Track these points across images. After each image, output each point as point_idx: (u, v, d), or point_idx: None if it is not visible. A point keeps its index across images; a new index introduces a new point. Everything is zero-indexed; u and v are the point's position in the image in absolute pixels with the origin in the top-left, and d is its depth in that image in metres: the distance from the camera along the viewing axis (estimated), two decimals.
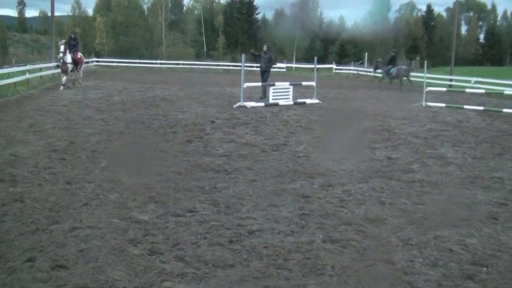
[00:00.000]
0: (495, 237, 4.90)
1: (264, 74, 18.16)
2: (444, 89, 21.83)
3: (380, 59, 31.93)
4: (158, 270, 3.88)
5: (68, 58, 19.43)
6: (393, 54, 28.84)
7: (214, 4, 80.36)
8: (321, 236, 4.72)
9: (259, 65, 18.67)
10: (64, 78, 19.62)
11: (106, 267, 3.91)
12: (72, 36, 21.15)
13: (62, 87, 19.09)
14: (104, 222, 4.88)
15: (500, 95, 21.03)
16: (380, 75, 29.26)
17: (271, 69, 19.21)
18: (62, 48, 19.21)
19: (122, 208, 5.35)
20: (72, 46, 20.08)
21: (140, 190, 6.01)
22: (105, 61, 46.18)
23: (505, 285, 3.89)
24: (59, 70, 26.11)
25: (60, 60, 19.58)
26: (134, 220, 4.96)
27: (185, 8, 76.29)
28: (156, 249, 4.26)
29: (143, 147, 8.56)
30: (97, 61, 45.00)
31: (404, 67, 28.56)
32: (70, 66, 19.63)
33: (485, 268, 4.16)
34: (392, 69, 27.36)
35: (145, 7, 72.28)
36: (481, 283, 3.92)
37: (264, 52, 18.24)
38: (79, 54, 20.98)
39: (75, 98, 16.33)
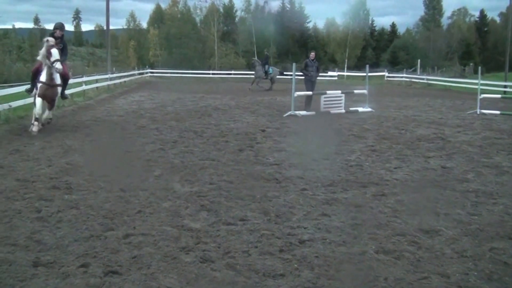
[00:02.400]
0: None
1: (314, 84, 17.75)
2: (499, 95, 21.04)
3: (256, 58, 33.34)
4: (209, 278, 3.94)
5: (58, 77, 11.10)
6: (266, 54, 31.04)
7: (265, 14, 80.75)
8: (373, 247, 4.66)
9: (306, 74, 17.84)
10: (41, 113, 10.97)
11: (158, 274, 4.00)
12: (57, 32, 11.50)
13: (34, 127, 10.75)
14: (157, 230, 4.99)
15: None
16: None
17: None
18: (54, 53, 10.48)
19: (175, 216, 5.46)
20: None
21: (193, 198, 6.13)
22: (159, 72, 47.37)
23: None
24: (115, 82, 27.11)
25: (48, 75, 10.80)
26: (186, 228, 5.06)
27: (237, 19, 77.05)
28: (208, 257, 4.32)
29: (196, 156, 8.69)
30: (151, 72, 46.33)
31: (276, 68, 30.49)
32: (58, 91, 11.36)
33: None
34: (270, 69, 28.55)
35: (197, 19, 73.54)
36: None
37: (312, 60, 17.72)
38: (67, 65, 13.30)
39: (130, 108, 16.81)
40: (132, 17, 77.74)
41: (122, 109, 16.54)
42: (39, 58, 11.13)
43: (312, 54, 17.86)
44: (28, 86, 11.77)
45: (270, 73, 28.54)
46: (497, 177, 7.60)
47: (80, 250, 4.44)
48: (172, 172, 7.48)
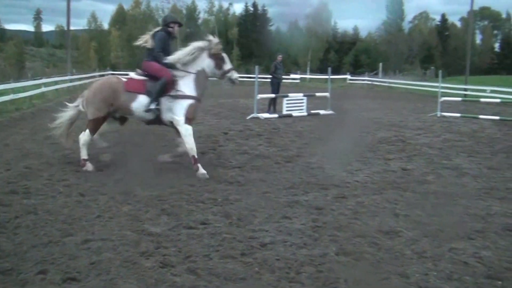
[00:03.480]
0: (511, 249, 4.82)
1: (280, 86, 17.97)
2: (459, 98, 21.66)
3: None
4: (169, 283, 3.87)
5: None
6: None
7: (229, 16, 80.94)
8: (334, 249, 4.67)
9: (276, 76, 17.97)
10: None
11: (118, 279, 3.90)
12: (175, 27, 8.65)
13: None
14: (117, 234, 4.88)
15: None
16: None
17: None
18: (227, 58, 8.48)
19: (135, 220, 5.36)
20: None
21: (153, 202, 6.03)
22: (121, 74, 46.79)
23: None
24: (75, 83, 26.37)
25: None
26: (147, 233, 4.96)
27: (199, 21, 76.87)
28: (168, 262, 4.25)
29: (156, 159, 8.57)
30: (112, 74, 45.69)
31: None
32: None
33: (500, 282, 4.09)
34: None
35: (160, 20, 73.04)
36: None
37: (280, 63, 17.96)
38: None
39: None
40: (94, 17, 76.65)
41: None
42: (184, 61, 7.96)
43: (280, 57, 18.14)
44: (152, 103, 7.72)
45: None
46: (457, 179, 7.79)
47: (39, 256, 4.30)
48: (132, 176, 7.32)
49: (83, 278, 3.92)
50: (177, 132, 7.88)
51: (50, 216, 5.42)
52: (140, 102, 7.73)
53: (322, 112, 17.24)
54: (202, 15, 77.05)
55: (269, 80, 18.82)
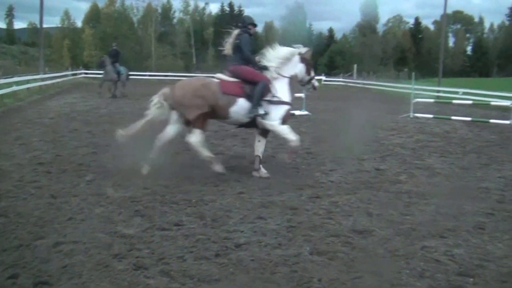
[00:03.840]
0: (482, 247, 4.91)
1: None
2: (432, 100, 21.97)
3: (106, 56, 23.18)
4: (142, 286, 3.83)
5: None
6: (115, 48, 23.37)
7: (205, 16, 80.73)
8: (308, 249, 4.69)
9: None
10: None
11: (90, 283, 3.85)
12: (252, 29, 8.57)
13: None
14: (89, 237, 4.81)
15: (487, 106, 21.21)
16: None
17: None
18: None
19: (107, 222, 5.29)
20: None
21: (126, 203, 5.96)
22: (94, 73, 46.35)
23: None
24: (47, 82, 25.84)
25: None
26: (119, 235, 4.90)
27: (175, 21, 76.45)
28: (141, 264, 4.20)
29: (130, 160, 8.48)
30: (85, 73, 45.19)
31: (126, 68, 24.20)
32: None
33: (471, 279, 4.16)
34: (121, 69, 22.58)
35: (134, 19, 72.38)
36: None
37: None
38: None
39: (62, 110, 16.28)
40: (67, 15, 75.47)
41: (54, 111, 15.95)
42: (278, 65, 7.97)
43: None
44: (257, 108, 7.58)
45: (122, 73, 22.52)
46: (429, 179, 7.89)
47: (9, 260, 4.22)
48: (105, 177, 7.26)
49: (55, 282, 3.86)
50: (262, 134, 7.93)
51: (21, 218, 5.31)
52: (241, 105, 7.54)
53: (297, 112, 17.31)
54: (178, 15, 76.68)
55: None
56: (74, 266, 4.12)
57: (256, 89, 7.53)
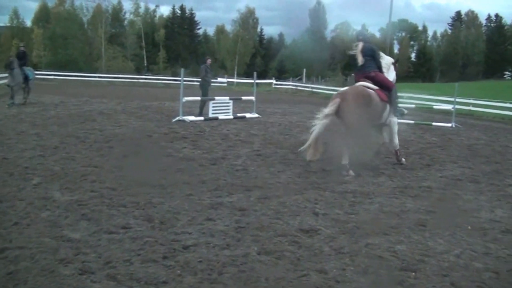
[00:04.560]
0: (423, 243, 5.09)
1: (209, 89, 18.04)
2: None
3: (14, 57, 19.74)
4: None
5: None
6: (22, 50, 20.68)
7: (156, 18, 79.84)
8: (256, 249, 4.74)
9: (200, 79, 18.15)
10: None
11: None
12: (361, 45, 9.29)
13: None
14: (35, 242, 4.69)
15: (430, 109, 22.00)
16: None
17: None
18: None
19: (54, 226, 5.17)
20: None
21: (73, 207, 5.84)
22: (42, 74, 45.29)
23: None
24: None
25: None
26: (66, 239, 4.80)
27: (125, 22, 75.27)
28: (87, 268, 4.14)
29: (78, 163, 8.33)
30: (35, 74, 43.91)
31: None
32: None
33: (413, 273, 4.31)
34: (30, 73, 19.78)
35: (84, 19, 70.84)
36: None
37: (208, 66, 18.10)
38: None
39: (9, 112, 15.74)
40: (16, 14, 72.76)
41: (0, 113, 15.40)
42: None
43: (209, 61, 18.32)
44: (399, 111, 9.47)
45: (30, 79, 19.62)
46: (373, 178, 8.11)
47: None
48: (52, 180, 7.09)
49: None
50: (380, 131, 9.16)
51: None
52: (387, 110, 8.75)
53: (248, 115, 17.43)
54: (128, 16, 75.52)
55: (196, 83, 18.70)
56: (20, 273, 4.02)
57: (393, 94, 8.89)
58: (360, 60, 8.74)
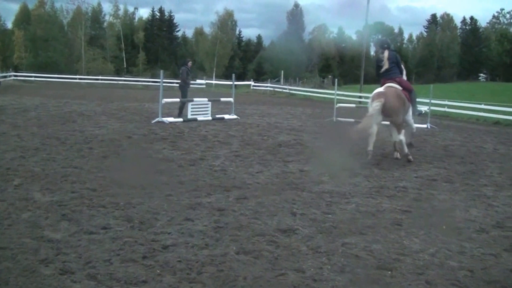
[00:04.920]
0: (399, 242, 5.18)
1: (188, 90, 18.09)
2: (354, 105, 22.82)
3: None
4: None
5: None
6: None
7: (135, 20, 79.49)
8: (234, 248, 4.80)
9: (181, 81, 18.20)
10: None
11: None
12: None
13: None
14: (16, 243, 4.69)
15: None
16: None
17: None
18: None
19: (34, 227, 5.18)
20: None
21: (53, 207, 5.85)
22: (23, 76, 44.86)
23: (408, 286, 4.12)
24: None
25: None
26: (46, 239, 4.82)
27: (105, 24, 74.76)
28: (68, 268, 4.17)
29: (58, 164, 8.32)
30: (15, 76, 43.78)
31: None
32: None
33: (389, 272, 4.38)
34: None
35: (64, 22, 70.25)
36: (386, 286, 4.13)
37: (190, 68, 18.18)
38: None
39: None
40: None
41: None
42: None
43: (190, 63, 18.43)
44: (419, 110, 11.51)
45: None
46: (350, 179, 8.18)
47: None
48: (32, 181, 7.08)
49: None
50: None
51: None
52: (410, 109, 10.23)
53: (226, 116, 17.52)
54: (108, 18, 75.03)
55: (176, 85, 18.72)
56: (1, 273, 4.03)
57: (414, 95, 10.32)
58: (386, 65, 10.10)
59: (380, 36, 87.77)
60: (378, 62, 10.47)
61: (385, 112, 9.64)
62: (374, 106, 9.59)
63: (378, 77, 10.55)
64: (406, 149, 9.96)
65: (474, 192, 7.69)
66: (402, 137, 9.83)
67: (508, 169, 9.77)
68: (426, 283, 4.21)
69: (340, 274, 4.31)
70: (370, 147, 9.74)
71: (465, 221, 6.11)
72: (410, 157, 9.99)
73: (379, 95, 9.71)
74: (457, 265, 4.64)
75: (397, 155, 10.29)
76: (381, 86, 10.07)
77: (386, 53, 10.16)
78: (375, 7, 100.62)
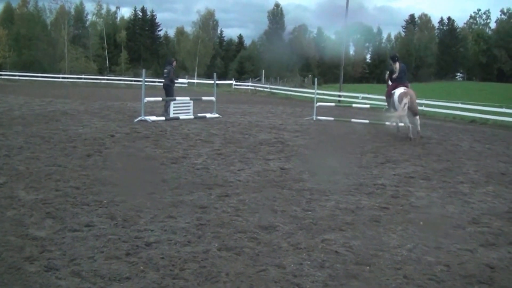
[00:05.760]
0: (377, 238, 5.29)
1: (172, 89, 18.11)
2: (333, 104, 23.01)
3: None
4: (54, 287, 3.86)
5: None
6: None
7: (117, 20, 78.93)
8: (216, 245, 4.87)
9: (163, 80, 18.24)
10: None
11: (2, 287, 3.83)
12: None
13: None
14: (1, 241, 4.73)
15: (384, 109, 22.60)
16: None
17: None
18: None
19: (19, 225, 5.21)
20: None
21: (38, 206, 5.89)
22: (7, 75, 44.38)
23: (386, 281, 4.23)
24: None
25: None
26: (31, 237, 4.86)
27: (87, 23, 74.15)
28: (52, 266, 4.22)
29: (42, 162, 8.33)
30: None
31: None
32: None
33: (368, 267, 4.48)
34: None
35: (48, 21, 69.52)
36: (364, 281, 4.22)
37: (174, 67, 18.23)
38: None
39: None
40: None
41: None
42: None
43: (175, 62, 18.55)
44: None
45: None
46: (330, 177, 8.27)
47: None
48: (17, 180, 7.09)
49: None
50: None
51: None
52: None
53: (208, 115, 17.59)
54: (90, 17, 74.44)
55: (159, 84, 18.73)
56: None
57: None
58: (398, 73, 13.66)
59: (359, 36, 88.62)
60: (391, 71, 14.05)
61: (410, 105, 12.88)
62: (404, 104, 12.73)
63: (388, 81, 14.45)
64: (419, 128, 13.67)
65: (450, 189, 7.83)
66: (417, 121, 13.52)
67: (484, 166, 9.98)
68: (403, 277, 4.31)
69: (319, 269, 4.40)
70: (410, 130, 13.27)
71: (442, 217, 6.25)
72: (413, 136, 13.33)
73: (405, 94, 12.98)
74: (434, 260, 4.74)
75: (411, 135, 13.35)
76: (393, 88, 13.66)
77: (397, 65, 13.72)
78: (352, 7, 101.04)
